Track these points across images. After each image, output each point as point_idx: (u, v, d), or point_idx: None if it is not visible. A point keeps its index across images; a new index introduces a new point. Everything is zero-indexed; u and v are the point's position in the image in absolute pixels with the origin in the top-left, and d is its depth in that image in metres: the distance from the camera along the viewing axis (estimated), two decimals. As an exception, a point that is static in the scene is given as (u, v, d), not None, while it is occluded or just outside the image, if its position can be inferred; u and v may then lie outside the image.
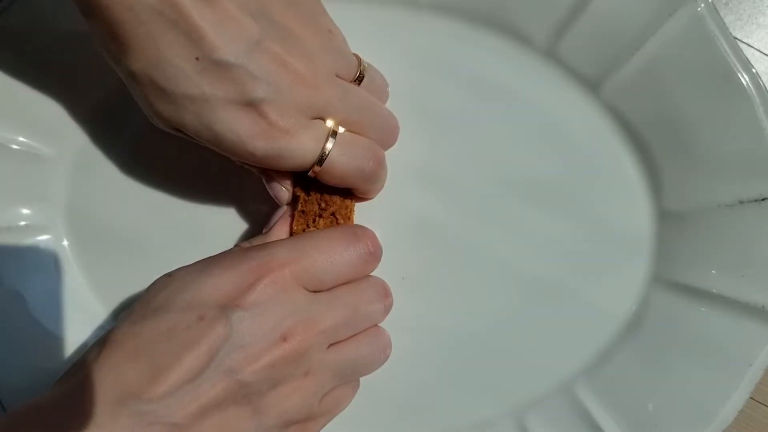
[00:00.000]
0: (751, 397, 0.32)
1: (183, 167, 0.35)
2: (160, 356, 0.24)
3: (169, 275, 0.28)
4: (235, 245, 0.31)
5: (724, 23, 0.31)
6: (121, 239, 0.34)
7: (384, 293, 0.31)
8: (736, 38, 0.32)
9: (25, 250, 0.33)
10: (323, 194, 0.31)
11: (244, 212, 0.35)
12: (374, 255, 0.30)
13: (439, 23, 0.35)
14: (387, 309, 0.32)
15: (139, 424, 0.23)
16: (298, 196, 0.31)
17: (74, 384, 0.25)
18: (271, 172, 0.30)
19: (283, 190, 0.31)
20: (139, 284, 0.34)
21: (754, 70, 0.31)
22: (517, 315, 0.34)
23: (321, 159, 0.28)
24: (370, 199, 0.33)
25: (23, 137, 0.33)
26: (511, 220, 0.35)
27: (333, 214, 0.31)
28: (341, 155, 0.28)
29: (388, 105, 0.35)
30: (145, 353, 0.25)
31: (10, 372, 0.32)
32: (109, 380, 0.24)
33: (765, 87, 0.31)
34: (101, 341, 0.26)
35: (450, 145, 0.35)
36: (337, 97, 0.28)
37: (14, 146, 0.33)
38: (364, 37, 0.34)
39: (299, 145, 0.27)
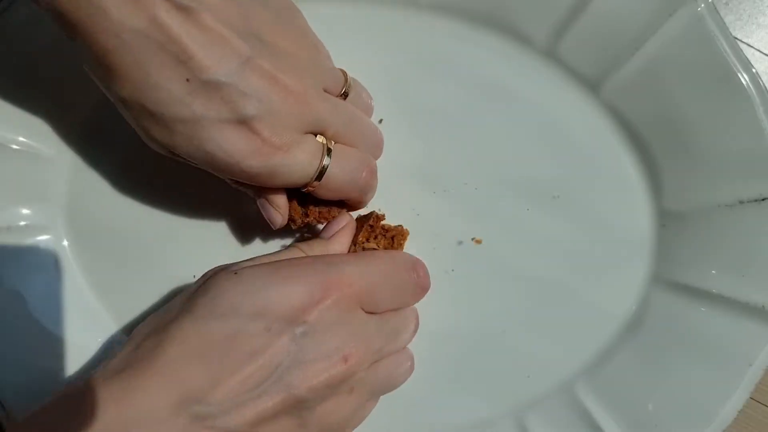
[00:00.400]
0: (751, 397, 0.32)
1: (183, 167, 0.35)
2: (224, 361, 0.24)
3: (235, 273, 0.27)
4: (292, 245, 0.32)
5: (724, 23, 0.31)
6: (120, 239, 0.34)
7: (417, 322, 0.32)
8: (736, 38, 0.32)
9: (25, 250, 0.33)
10: (321, 210, 0.31)
11: (244, 212, 0.35)
12: (425, 289, 0.31)
13: (439, 23, 0.35)
14: (415, 334, 0.33)
15: (196, 426, 0.23)
16: (294, 218, 0.31)
17: (131, 375, 0.24)
18: (265, 194, 0.30)
19: (277, 214, 0.31)
20: (138, 284, 0.34)
21: (754, 70, 0.31)
22: (517, 315, 0.34)
23: (320, 174, 0.28)
24: (361, 208, 0.33)
25: (23, 137, 0.33)
26: (511, 220, 0.35)
27: (393, 237, 0.32)
28: (337, 169, 0.29)
29: (389, 105, 0.35)
30: (209, 356, 0.24)
31: (10, 371, 0.32)
32: (172, 377, 0.24)
33: (765, 87, 0.31)
34: (154, 332, 0.26)
35: (450, 145, 0.35)
36: (327, 112, 0.28)
37: (14, 146, 0.33)
38: (364, 37, 0.34)
39: (294, 160, 0.27)
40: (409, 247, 0.35)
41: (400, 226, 0.33)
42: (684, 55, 0.32)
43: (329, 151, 0.28)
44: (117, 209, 0.35)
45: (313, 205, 0.31)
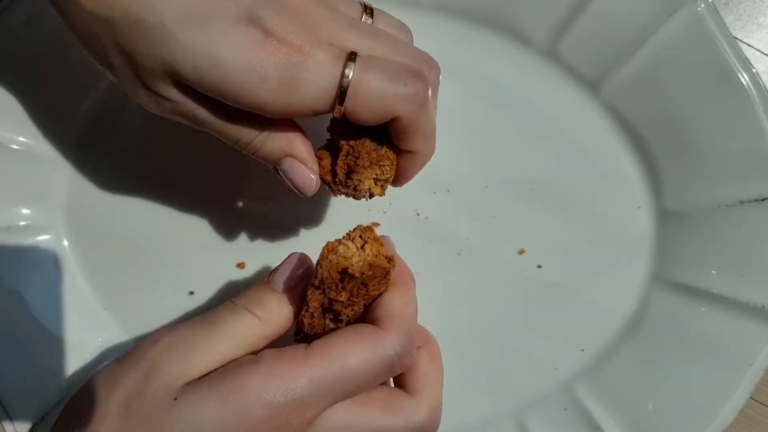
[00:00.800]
0: (751, 397, 0.32)
1: (183, 167, 0.35)
2: None
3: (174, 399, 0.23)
4: (241, 304, 0.25)
5: (724, 23, 0.31)
6: (120, 239, 0.34)
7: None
8: (736, 38, 0.32)
9: (25, 250, 0.33)
10: (368, 153, 0.25)
11: (244, 212, 0.35)
12: (403, 366, 0.25)
13: (439, 23, 0.35)
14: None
15: None
16: (331, 179, 0.25)
17: None
18: (289, 149, 0.25)
19: (307, 172, 0.26)
20: (138, 284, 0.34)
21: (754, 70, 0.31)
22: (517, 315, 0.34)
23: (344, 89, 0.23)
24: (427, 145, 0.26)
25: (23, 137, 0.33)
26: (511, 220, 0.35)
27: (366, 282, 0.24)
28: (369, 76, 0.23)
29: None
30: None
31: (10, 371, 0.32)
32: None
33: (765, 87, 0.31)
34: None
35: (450, 145, 0.35)
36: (347, 22, 0.24)
37: (14, 146, 0.33)
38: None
39: (317, 64, 0.22)
40: (409, 247, 0.35)
41: (383, 258, 0.25)
42: (684, 55, 0.32)
43: (353, 57, 0.23)
44: (117, 209, 0.35)
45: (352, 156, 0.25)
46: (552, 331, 0.34)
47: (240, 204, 0.35)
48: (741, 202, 0.32)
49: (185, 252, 0.35)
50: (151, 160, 0.35)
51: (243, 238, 0.35)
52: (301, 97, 0.23)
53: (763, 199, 0.32)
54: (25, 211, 0.34)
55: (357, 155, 0.25)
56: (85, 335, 0.33)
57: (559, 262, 0.34)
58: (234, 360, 0.24)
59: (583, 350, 0.34)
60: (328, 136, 0.28)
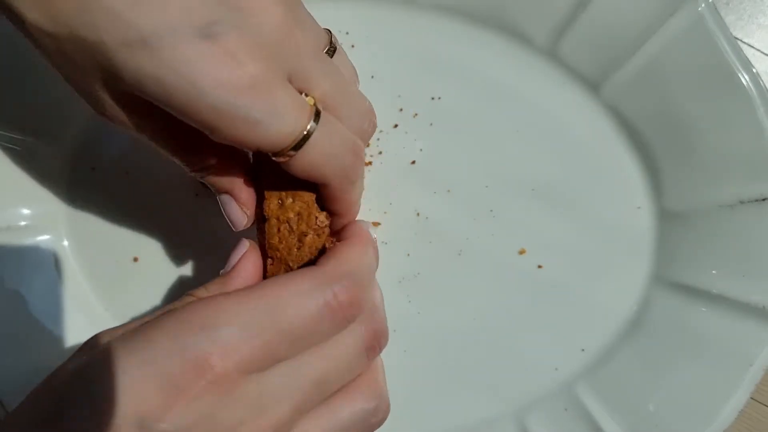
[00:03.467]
0: (751, 397, 0.32)
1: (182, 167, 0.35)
2: None
3: (89, 360, 0.21)
4: (188, 293, 0.25)
5: (725, 23, 0.31)
6: (121, 239, 0.34)
7: (374, 335, 0.23)
8: (736, 38, 0.32)
9: (25, 250, 0.33)
10: (298, 206, 0.26)
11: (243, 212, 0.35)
12: (348, 307, 0.22)
13: (439, 23, 0.35)
14: (375, 353, 0.24)
15: None
16: (267, 215, 0.26)
17: None
18: (229, 187, 0.26)
19: (240, 212, 0.26)
20: (138, 284, 0.34)
21: (754, 70, 0.31)
22: (518, 315, 0.34)
23: (303, 139, 0.22)
24: (347, 210, 0.26)
25: (23, 137, 0.33)
26: (511, 219, 0.35)
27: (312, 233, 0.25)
28: (323, 138, 0.23)
29: (387, 104, 0.35)
30: None
31: (10, 371, 0.32)
32: None
33: (765, 87, 0.31)
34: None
35: (450, 145, 0.35)
36: (315, 61, 0.23)
37: (14, 146, 0.33)
38: (365, 37, 0.34)
39: (276, 106, 0.21)
40: (409, 247, 0.35)
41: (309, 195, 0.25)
42: (684, 55, 0.32)
43: (318, 114, 0.22)
44: (117, 209, 0.35)
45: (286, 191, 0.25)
46: (552, 331, 0.34)
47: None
48: (741, 202, 0.32)
49: (185, 252, 0.35)
50: (152, 160, 0.35)
51: (244, 237, 0.35)
52: (255, 137, 0.22)
53: (763, 199, 0.32)
54: (26, 211, 0.34)
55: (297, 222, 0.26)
56: (86, 335, 0.33)
57: (559, 262, 0.34)
58: None
59: (583, 350, 0.34)
60: None
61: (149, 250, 0.35)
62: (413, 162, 0.35)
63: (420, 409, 0.34)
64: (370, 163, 0.35)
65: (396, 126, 0.35)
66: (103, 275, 0.34)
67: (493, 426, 0.34)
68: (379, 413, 0.24)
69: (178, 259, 0.35)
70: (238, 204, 0.26)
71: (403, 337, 0.34)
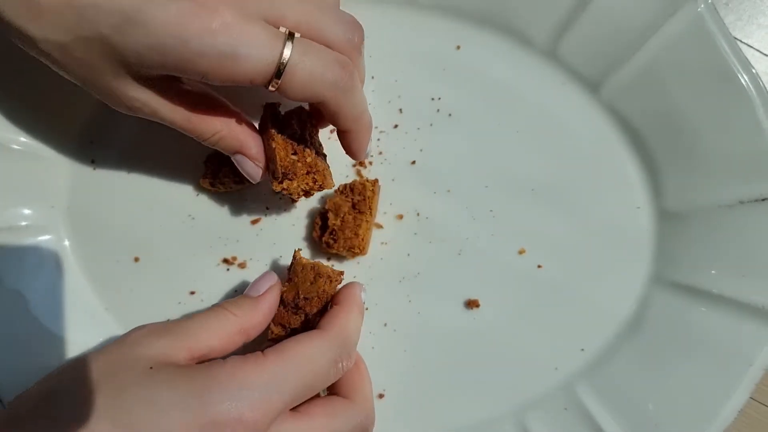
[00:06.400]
0: (751, 397, 0.32)
1: (183, 167, 0.35)
2: None
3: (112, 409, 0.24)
4: (219, 305, 0.29)
5: (724, 24, 0.31)
6: (121, 239, 0.34)
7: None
8: (736, 38, 0.32)
9: (26, 250, 0.33)
10: (306, 156, 0.30)
11: (244, 211, 0.35)
12: (348, 360, 0.29)
13: (439, 23, 0.35)
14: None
15: None
16: (277, 171, 0.29)
17: None
18: (241, 147, 0.30)
19: (255, 168, 0.30)
20: (139, 284, 0.34)
21: (754, 71, 0.31)
22: (518, 315, 0.34)
23: (280, 68, 0.25)
24: (349, 124, 0.29)
25: (24, 137, 0.33)
26: (511, 219, 0.35)
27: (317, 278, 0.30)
28: (303, 59, 0.26)
29: (387, 104, 0.35)
30: None
31: (11, 370, 0.32)
32: None
33: (765, 87, 0.31)
34: None
35: (450, 145, 0.35)
36: None
37: (14, 146, 0.33)
38: (365, 37, 0.34)
39: (250, 37, 0.25)
40: (409, 247, 0.35)
41: (330, 268, 0.30)
42: (684, 56, 0.32)
43: (291, 36, 0.26)
44: (117, 209, 0.35)
45: (297, 148, 0.30)
46: (552, 331, 0.34)
47: (240, 204, 0.35)
48: (741, 202, 0.32)
49: (186, 252, 0.35)
50: (152, 160, 0.35)
51: (244, 238, 0.35)
52: (241, 71, 0.25)
53: (763, 200, 0.32)
54: (26, 211, 0.34)
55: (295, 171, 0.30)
56: (86, 335, 0.34)
57: (559, 262, 0.35)
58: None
59: (583, 350, 0.34)
60: None
61: (150, 250, 0.35)
62: (413, 162, 0.35)
63: (420, 409, 0.34)
64: (371, 163, 0.35)
65: (396, 126, 0.35)
66: (104, 275, 0.34)
67: (493, 425, 0.34)
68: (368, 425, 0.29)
69: (178, 258, 0.35)
70: (251, 159, 0.30)
71: (403, 337, 0.34)
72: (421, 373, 0.34)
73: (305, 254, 0.35)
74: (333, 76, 0.26)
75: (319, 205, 0.35)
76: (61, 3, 0.24)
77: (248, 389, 0.24)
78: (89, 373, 0.25)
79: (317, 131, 0.32)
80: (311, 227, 0.35)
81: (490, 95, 0.35)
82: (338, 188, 0.33)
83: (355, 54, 0.28)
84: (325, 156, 0.32)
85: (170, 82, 0.28)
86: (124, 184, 0.35)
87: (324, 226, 0.33)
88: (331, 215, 0.33)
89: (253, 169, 0.30)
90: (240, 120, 0.30)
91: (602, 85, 0.34)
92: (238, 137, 0.30)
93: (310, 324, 0.30)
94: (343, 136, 0.30)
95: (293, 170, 0.30)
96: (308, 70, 0.26)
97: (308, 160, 0.30)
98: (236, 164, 0.30)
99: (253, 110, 0.32)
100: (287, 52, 0.25)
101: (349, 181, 0.34)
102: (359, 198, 0.32)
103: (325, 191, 0.33)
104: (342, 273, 0.31)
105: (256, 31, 0.25)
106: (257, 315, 0.29)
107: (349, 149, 0.31)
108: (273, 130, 0.30)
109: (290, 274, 0.30)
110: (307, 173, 0.30)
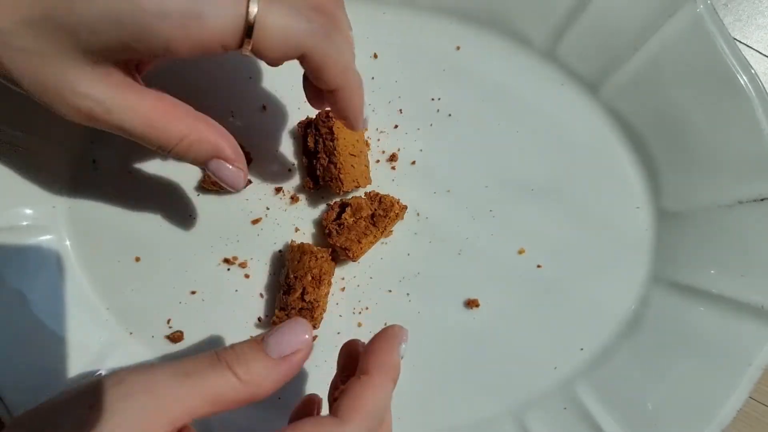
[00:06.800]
0: (750, 397, 0.32)
1: (184, 167, 0.35)
2: None
3: None
4: (223, 357, 0.23)
5: (724, 24, 0.31)
6: (122, 239, 0.35)
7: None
8: (735, 39, 0.32)
9: (27, 250, 0.33)
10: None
11: (244, 211, 0.35)
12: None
13: (439, 24, 0.35)
14: None
15: None
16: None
17: None
18: (214, 151, 0.26)
19: (236, 172, 0.27)
20: (140, 284, 0.34)
21: (753, 71, 0.31)
22: (517, 315, 0.34)
23: (250, 24, 0.23)
24: (352, 95, 0.26)
25: (24, 137, 0.33)
26: (510, 219, 0.35)
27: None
28: (273, 10, 0.23)
29: (387, 104, 0.35)
30: None
31: (13, 370, 0.32)
32: None
33: (764, 88, 0.31)
34: None
35: (450, 145, 0.35)
36: None
37: (16, 147, 0.33)
38: (365, 37, 0.34)
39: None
40: (408, 247, 0.35)
41: (316, 247, 0.32)
42: (683, 56, 0.32)
43: None
44: (118, 209, 0.35)
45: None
46: (552, 331, 0.34)
47: (240, 203, 0.35)
48: (740, 202, 0.32)
49: (187, 252, 0.35)
50: (153, 160, 0.35)
51: (245, 238, 0.35)
52: (208, 32, 0.22)
53: (762, 199, 0.32)
54: (27, 211, 0.34)
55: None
56: (87, 334, 0.34)
57: (558, 261, 0.35)
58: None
59: (582, 350, 0.34)
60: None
61: (151, 250, 0.35)
62: (413, 162, 0.35)
63: (420, 408, 0.34)
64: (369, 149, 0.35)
65: (396, 126, 0.35)
66: (105, 275, 0.34)
67: (493, 424, 0.34)
68: None
69: (179, 258, 0.35)
70: (228, 162, 0.27)
71: (403, 337, 0.34)
72: (421, 372, 0.34)
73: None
74: (308, 22, 0.24)
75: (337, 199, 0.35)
76: None
77: None
78: None
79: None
80: (311, 227, 0.35)
81: (489, 95, 0.35)
82: (371, 192, 0.34)
83: (335, 12, 0.26)
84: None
85: (125, 76, 0.25)
86: (125, 185, 0.35)
87: (338, 217, 0.33)
88: (348, 210, 0.33)
89: (233, 173, 0.27)
90: (207, 122, 0.27)
91: (602, 85, 0.34)
92: (209, 140, 0.26)
93: (306, 299, 0.31)
94: (335, 100, 0.26)
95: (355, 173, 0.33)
96: (280, 22, 0.23)
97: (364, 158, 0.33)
98: (213, 174, 0.27)
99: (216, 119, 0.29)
100: (253, 6, 0.22)
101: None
102: (381, 213, 0.33)
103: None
104: (328, 250, 0.31)
105: None
106: (269, 385, 0.23)
107: (344, 115, 0.27)
108: (338, 136, 0.32)
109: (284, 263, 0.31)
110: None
